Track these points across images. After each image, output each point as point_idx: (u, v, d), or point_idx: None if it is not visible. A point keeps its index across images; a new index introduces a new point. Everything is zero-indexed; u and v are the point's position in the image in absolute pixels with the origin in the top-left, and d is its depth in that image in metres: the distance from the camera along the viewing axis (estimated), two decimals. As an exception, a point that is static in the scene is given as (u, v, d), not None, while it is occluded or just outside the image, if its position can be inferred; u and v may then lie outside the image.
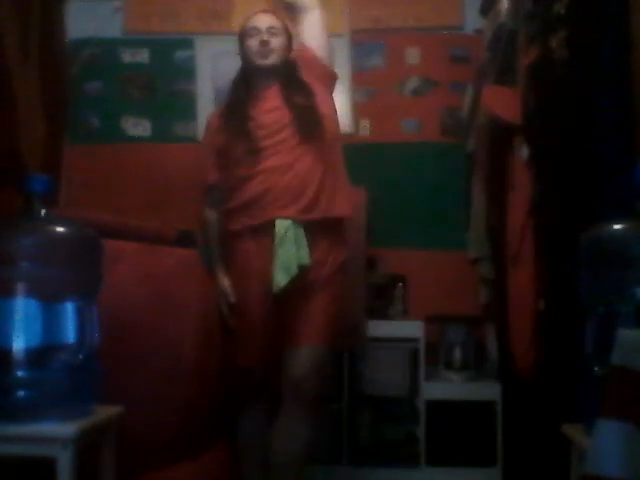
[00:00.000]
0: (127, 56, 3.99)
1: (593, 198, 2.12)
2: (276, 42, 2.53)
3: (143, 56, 3.99)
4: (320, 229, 2.44)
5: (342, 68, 3.76)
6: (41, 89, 2.41)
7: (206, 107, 3.90)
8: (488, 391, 3.23)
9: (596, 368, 1.72)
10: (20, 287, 1.75)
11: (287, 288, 2.38)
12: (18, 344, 1.73)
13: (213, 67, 3.94)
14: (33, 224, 1.83)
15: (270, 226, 2.40)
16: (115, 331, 1.97)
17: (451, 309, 3.45)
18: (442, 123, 3.80)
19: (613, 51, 2.11)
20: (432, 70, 3.85)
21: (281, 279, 2.37)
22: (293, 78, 2.54)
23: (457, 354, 3.35)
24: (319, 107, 2.50)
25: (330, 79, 2.64)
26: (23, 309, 1.74)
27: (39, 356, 1.74)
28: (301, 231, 2.39)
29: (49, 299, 1.77)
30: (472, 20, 3.70)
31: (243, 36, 2.57)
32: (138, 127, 3.97)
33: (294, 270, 2.36)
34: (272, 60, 2.52)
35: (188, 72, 3.95)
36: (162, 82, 3.98)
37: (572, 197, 2.21)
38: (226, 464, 2.48)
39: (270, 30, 2.53)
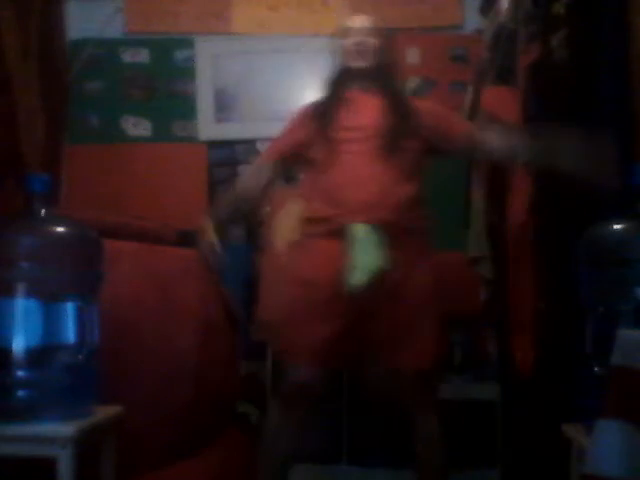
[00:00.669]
0: (127, 56, 3.99)
1: (593, 198, 2.12)
2: (371, 44, 2.49)
3: (143, 56, 3.99)
4: (403, 237, 2.37)
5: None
6: (41, 89, 2.41)
7: (206, 107, 3.91)
8: (488, 391, 3.23)
9: (596, 368, 1.72)
10: (20, 287, 1.75)
11: (365, 293, 2.29)
12: (18, 344, 1.73)
13: (213, 67, 3.94)
14: (33, 224, 1.83)
15: (348, 229, 2.32)
16: (115, 331, 1.97)
17: (451, 309, 3.45)
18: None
19: (613, 51, 2.11)
20: (432, 70, 3.85)
21: (359, 280, 2.27)
22: (389, 84, 2.51)
23: (457, 354, 3.35)
24: (417, 116, 2.46)
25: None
26: (23, 309, 1.74)
27: (39, 356, 1.75)
28: (380, 236, 2.31)
29: (49, 299, 1.77)
30: (472, 20, 3.70)
31: (339, 36, 2.54)
32: (138, 127, 3.97)
33: (373, 272, 2.28)
34: (366, 62, 2.47)
35: (188, 72, 3.95)
36: (162, 82, 3.98)
37: (572, 197, 2.21)
38: (226, 463, 2.48)
39: (366, 31, 2.50)
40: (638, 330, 1.51)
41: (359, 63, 2.47)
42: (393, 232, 2.33)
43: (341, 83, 2.51)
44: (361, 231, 2.31)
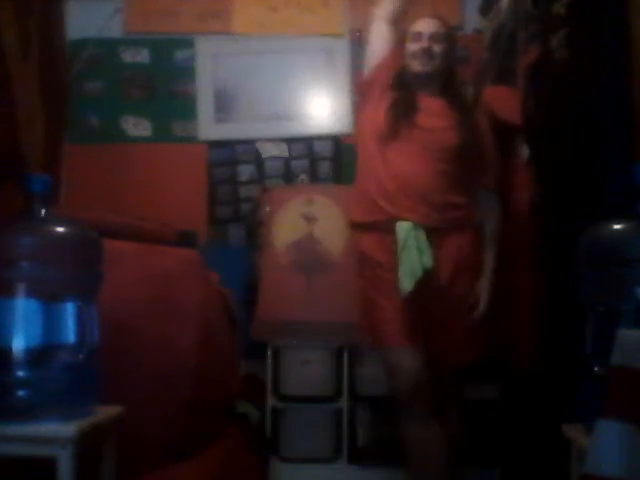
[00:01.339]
0: (127, 56, 3.99)
1: (593, 198, 2.12)
2: (438, 49, 2.51)
3: (143, 56, 3.99)
4: (452, 229, 2.44)
5: (342, 68, 3.76)
6: (41, 89, 2.41)
7: (206, 107, 3.91)
8: (488, 391, 3.23)
9: (596, 368, 1.72)
10: (20, 287, 1.75)
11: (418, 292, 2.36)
12: (18, 344, 1.73)
13: (213, 67, 3.94)
14: (33, 224, 1.83)
15: (393, 225, 2.40)
16: (115, 331, 1.97)
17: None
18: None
19: (613, 51, 2.11)
20: (432, 70, 3.84)
21: (408, 284, 2.35)
22: (454, 88, 2.57)
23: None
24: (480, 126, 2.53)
25: None
26: (23, 309, 1.74)
27: (39, 356, 1.75)
28: (423, 234, 2.37)
29: (49, 299, 1.77)
30: (472, 20, 3.69)
31: (406, 39, 2.57)
32: (138, 127, 3.97)
33: (419, 274, 2.34)
34: (431, 66, 2.51)
35: (188, 72, 3.95)
36: (162, 82, 3.97)
37: (572, 197, 2.21)
38: (226, 463, 2.48)
39: (433, 36, 2.52)
40: (638, 330, 1.51)
41: (424, 67, 2.51)
42: (440, 227, 2.41)
43: (407, 86, 2.55)
44: (406, 230, 2.37)
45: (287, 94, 3.86)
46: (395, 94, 2.54)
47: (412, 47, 2.53)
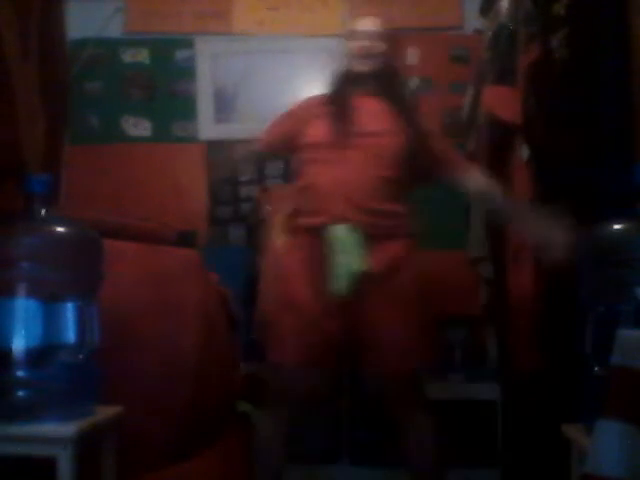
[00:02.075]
0: (127, 56, 3.99)
1: (593, 198, 2.12)
2: (378, 47, 2.47)
3: (143, 56, 3.99)
4: (386, 237, 2.36)
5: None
6: (41, 88, 2.41)
7: (206, 107, 3.92)
8: (488, 391, 3.23)
9: (596, 368, 1.72)
10: (20, 287, 1.75)
11: (350, 295, 2.29)
12: (18, 344, 1.73)
13: (213, 67, 3.94)
14: (33, 224, 1.83)
15: (328, 229, 2.32)
16: (115, 331, 1.97)
17: (451, 309, 3.45)
18: (442, 123, 3.80)
19: (613, 51, 2.11)
20: (432, 70, 3.85)
21: (341, 287, 2.28)
22: (393, 89, 2.50)
23: (457, 354, 3.35)
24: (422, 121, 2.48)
25: None
26: (23, 309, 1.74)
27: (39, 356, 1.74)
28: (358, 236, 2.30)
29: (49, 299, 1.77)
30: (472, 20, 3.70)
31: (345, 38, 2.54)
32: (138, 127, 3.97)
33: (352, 277, 2.27)
34: (371, 64, 2.46)
35: (188, 72, 3.95)
36: (162, 82, 3.98)
37: (572, 197, 2.21)
38: (226, 463, 2.48)
39: (373, 35, 2.48)
40: (638, 330, 1.51)
41: (364, 67, 2.46)
42: (374, 233, 2.32)
43: (345, 86, 2.50)
44: (340, 232, 2.30)
45: (287, 94, 3.86)
46: (332, 96, 2.50)
47: (352, 46, 2.49)
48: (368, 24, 2.52)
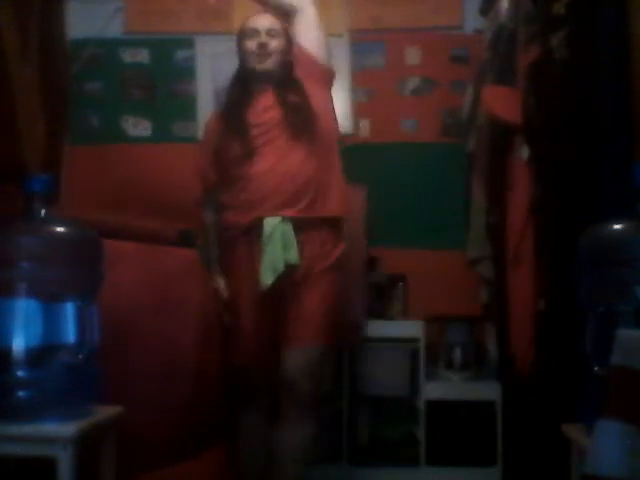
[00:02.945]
0: (127, 56, 3.99)
1: (593, 198, 2.12)
2: (275, 44, 2.52)
3: (143, 56, 3.99)
4: (312, 227, 2.43)
5: (342, 68, 3.76)
6: (41, 89, 2.41)
7: (206, 107, 3.90)
8: (488, 391, 3.23)
9: (596, 368, 1.72)
10: (20, 287, 1.75)
11: (278, 287, 2.36)
12: (18, 344, 1.73)
13: (213, 67, 3.93)
14: (33, 224, 1.83)
15: (259, 225, 2.38)
16: (115, 331, 1.97)
17: (451, 309, 3.45)
18: (442, 123, 3.80)
19: (613, 51, 2.11)
20: (432, 70, 3.85)
21: (267, 278, 2.34)
22: (287, 78, 2.53)
23: (457, 354, 3.35)
24: (313, 106, 2.49)
25: (327, 77, 2.61)
26: (23, 309, 1.74)
27: (39, 356, 1.75)
28: (290, 229, 2.37)
29: (49, 299, 1.77)
30: (472, 20, 3.70)
31: (241, 37, 2.56)
32: (138, 127, 3.97)
33: (281, 269, 2.34)
34: (270, 64, 2.51)
35: (188, 72, 3.95)
36: (162, 82, 3.97)
37: (572, 197, 2.21)
38: (226, 463, 2.49)
39: (269, 32, 2.52)
40: (638, 330, 1.51)
41: (261, 63, 2.51)
42: (305, 222, 2.39)
43: (243, 83, 2.55)
44: (271, 224, 2.36)
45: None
46: (231, 102, 2.56)
47: (249, 44, 2.52)
48: (264, 21, 2.55)
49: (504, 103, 2.77)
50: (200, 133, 3.92)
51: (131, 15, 3.98)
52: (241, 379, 2.50)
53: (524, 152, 2.61)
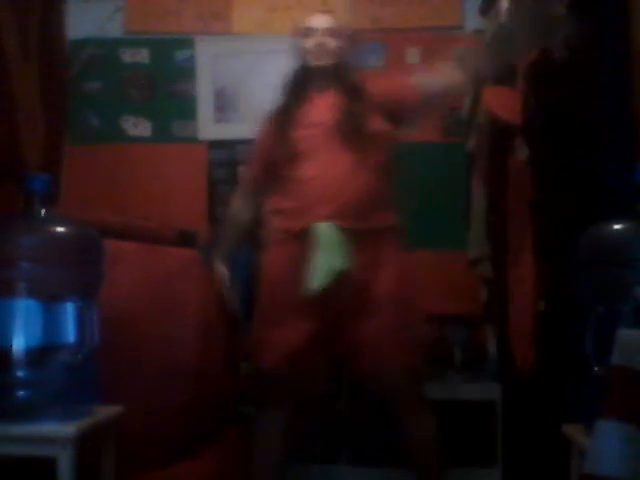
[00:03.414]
0: (127, 56, 3.99)
1: (593, 198, 2.12)
2: (332, 44, 2.48)
3: (143, 56, 3.99)
4: (365, 235, 2.34)
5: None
6: (41, 89, 2.41)
7: (206, 107, 3.91)
8: (488, 391, 3.23)
9: (596, 368, 1.72)
10: (20, 287, 1.75)
11: (330, 293, 2.26)
12: (18, 344, 1.73)
13: (213, 67, 3.93)
14: (33, 224, 1.83)
15: (310, 232, 2.30)
16: (115, 331, 1.97)
17: (451, 309, 3.45)
18: (442, 123, 3.80)
19: (613, 51, 2.11)
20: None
21: (318, 284, 2.25)
22: (347, 80, 2.49)
23: (457, 354, 3.35)
24: (372, 119, 2.43)
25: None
26: (23, 309, 1.74)
27: (39, 356, 1.75)
28: (340, 236, 2.28)
29: (49, 299, 1.77)
30: (472, 20, 3.69)
31: (299, 36, 2.53)
32: (138, 127, 3.97)
33: (332, 275, 2.25)
34: (326, 61, 2.47)
35: (188, 72, 3.95)
36: (162, 82, 3.97)
37: (572, 197, 2.21)
38: (226, 463, 2.48)
39: (327, 31, 2.49)
40: (638, 330, 1.51)
41: (318, 63, 2.48)
42: (358, 232, 2.31)
43: (300, 82, 2.52)
44: (323, 231, 2.30)
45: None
46: (287, 101, 2.51)
47: (306, 43, 2.49)
48: (321, 21, 2.53)
49: (504, 103, 2.77)
50: (200, 132, 3.95)
51: (131, 15, 3.98)
52: (267, 382, 2.42)
53: (524, 152, 2.61)
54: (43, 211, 1.82)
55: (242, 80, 3.94)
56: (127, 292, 2.15)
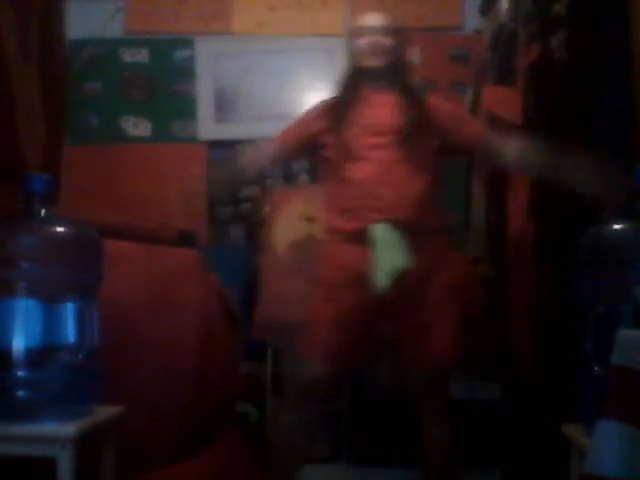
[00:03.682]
0: (127, 56, 3.99)
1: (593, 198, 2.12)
2: (387, 43, 2.46)
3: (143, 56, 4.00)
4: (421, 235, 2.36)
5: (342, 68, 3.76)
6: (41, 89, 2.41)
7: (206, 107, 3.92)
8: (488, 391, 3.23)
9: (596, 368, 1.72)
10: (20, 287, 1.75)
11: (390, 292, 2.29)
12: (18, 344, 1.73)
13: (213, 67, 3.94)
14: (33, 224, 1.83)
15: (368, 230, 2.32)
16: (115, 331, 1.97)
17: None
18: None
19: (613, 51, 2.11)
20: (432, 70, 3.85)
21: (381, 282, 2.28)
22: (402, 80, 2.50)
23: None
24: (430, 114, 2.45)
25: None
26: (23, 309, 1.74)
27: (39, 356, 1.74)
28: (400, 235, 2.31)
29: (49, 299, 1.77)
30: (472, 20, 3.70)
31: (353, 35, 2.52)
32: (138, 127, 3.97)
33: (394, 273, 2.28)
34: (381, 61, 2.46)
35: (188, 72, 3.95)
36: (162, 82, 3.98)
37: (572, 197, 2.21)
38: (226, 463, 2.48)
39: (382, 30, 2.47)
40: (638, 330, 1.51)
41: (373, 62, 2.46)
42: (413, 232, 2.33)
43: (355, 82, 2.50)
44: (381, 231, 2.31)
45: (287, 94, 3.87)
46: (342, 99, 2.49)
47: (360, 42, 2.47)
48: (376, 20, 2.51)
49: (504, 103, 2.77)
50: (200, 132, 3.95)
51: (131, 15, 3.99)
52: (305, 373, 2.42)
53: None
54: (43, 211, 1.82)
55: (242, 80, 3.95)
56: (127, 292, 2.15)
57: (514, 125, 2.65)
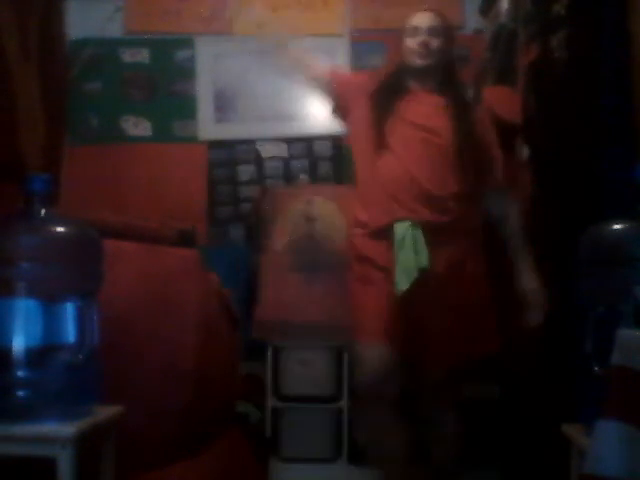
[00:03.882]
0: (127, 56, 3.99)
1: (593, 198, 2.12)
2: (436, 43, 2.46)
3: (143, 56, 3.99)
4: (446, 233, 2.37)
5: (342, 68, 3.76)
6: (41, 89, 2.41)
7: (206, 107, 3.92)
8: (488, 391, 3.23)
9: (596, 368, 1.72)
10: (20, 287, 1.75)
11: (413, 290, 2.31)
12: (18, 344, 1.73)
13: (213, 67, 3.94)
14: (33, 224, 1.83)
15: (391, 228, 2.35)
16: (115, 331, 1.97)
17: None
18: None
19: (613, 51, 2.11)
20: (432, 70, 3.84)
21: (403, 283, 2.30)
22: (450, 80, 2.51)
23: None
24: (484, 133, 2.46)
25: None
26: (23, 309, 1.74)
27: (39, 356, 1.74)
28: (420, 234, 2.32)
29: (49, 299, 1.77)
30: (472, 20, 3.70)
31: (403, 35, 2.52)
32: (138, 127, 3.97)
33: (415, 274, 2.29)
34: (430, 60, 2.46)
35: (188, 72, 3.95)
36: (162, 82, 3.98)
37: (572, 197, 2.21)
38: (226, 463, 2.48)
39: (431, 30, 2.47)
40: (638, 330, 1.51)
41: (422, 62, 2.46)
42: (436, 231, 2.34)
43: (402, 78, 2.51)
44: (403, 230, 2.33)
45: (287, 94, 3.87)
46: (387, 92, 2.50)
47: (410, 42, 2.48)
48: (426, 19, 2.51)
49: (504, 103, 2.77)
50: (200, 132, 3.95)
51: (131, 15, 3.98)
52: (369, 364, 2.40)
53: (524, 152, 2.61)
54: (43, 211, 1.82)
55: (242, 80, 3.95)
56: (127, 292, 2.15)
57: (514, 124, 2.65)
